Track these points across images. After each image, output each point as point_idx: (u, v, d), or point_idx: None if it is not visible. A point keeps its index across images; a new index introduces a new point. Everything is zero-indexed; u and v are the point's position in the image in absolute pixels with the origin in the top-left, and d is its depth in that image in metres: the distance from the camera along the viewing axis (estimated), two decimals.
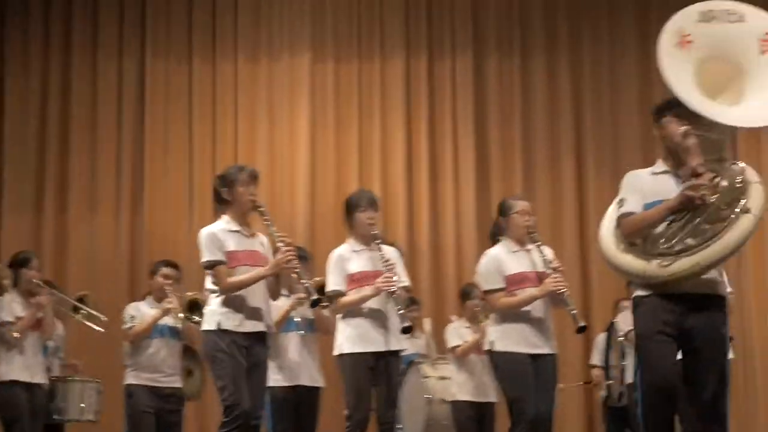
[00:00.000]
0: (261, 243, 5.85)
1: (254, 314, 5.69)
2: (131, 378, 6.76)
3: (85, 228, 9.04)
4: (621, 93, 9.76)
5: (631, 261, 4.45)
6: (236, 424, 5.55)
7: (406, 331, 5.87)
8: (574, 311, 5.85)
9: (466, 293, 7.29)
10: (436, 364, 7.43)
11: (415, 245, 9.18)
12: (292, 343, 6.55)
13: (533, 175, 9.61)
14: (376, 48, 9.64)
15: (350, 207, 6.12)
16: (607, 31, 9.89)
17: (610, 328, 7.42)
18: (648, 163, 4.78)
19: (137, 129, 9.28)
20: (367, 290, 5.94)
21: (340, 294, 6.00)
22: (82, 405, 7.08)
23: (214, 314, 5.66)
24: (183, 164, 9.29)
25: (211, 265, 5.64)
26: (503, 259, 6.06)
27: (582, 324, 5.85)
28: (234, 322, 5.64)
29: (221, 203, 5.82)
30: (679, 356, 4.45)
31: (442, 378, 7.30)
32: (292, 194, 9.20)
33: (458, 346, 7.12)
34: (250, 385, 5.69)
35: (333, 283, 6.05)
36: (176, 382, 6.84)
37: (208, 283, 5.77)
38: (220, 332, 5.62)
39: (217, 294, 5.71)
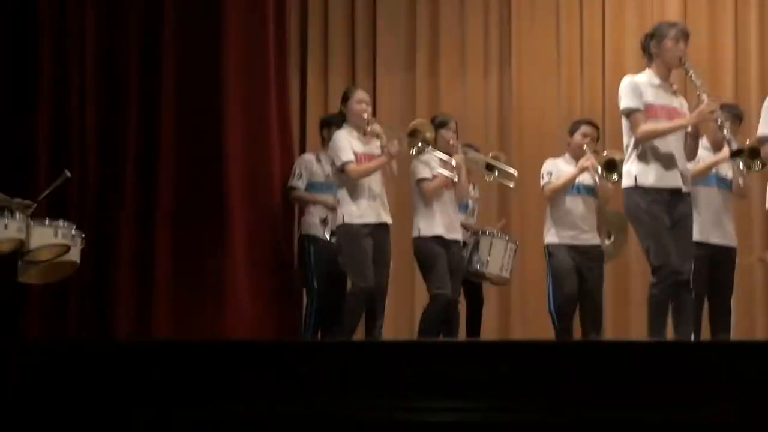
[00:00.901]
0: (681, 103, 5.83)
1: (671, 166, 5.65)
2: (551, 237, 6.90)
3: (456, 90, 8.91)
4: None
5: None
6: (666, 283, 5.59)
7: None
8: None
9: None
10: None
11: None
12: None
13: None
14: None
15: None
16: None
17: None
18: None
19: None
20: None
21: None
22: (502, 262, 7.14)
23: (631, 172, 5.70)
24: (550, 25, 8.94)
25: (629, 112, 5.68)
26: None
27: None
28: (651, 179, 5.63)
29: (648, 57, 5.79)
30: None
31: None
32: None
33: None
34: (676, 241, 5.65)
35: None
36: (594, 239, 6.89)
37: (626, 137, 5.81)
38: (639, 190, 5.64)
39: (633, 148, 5.73)
